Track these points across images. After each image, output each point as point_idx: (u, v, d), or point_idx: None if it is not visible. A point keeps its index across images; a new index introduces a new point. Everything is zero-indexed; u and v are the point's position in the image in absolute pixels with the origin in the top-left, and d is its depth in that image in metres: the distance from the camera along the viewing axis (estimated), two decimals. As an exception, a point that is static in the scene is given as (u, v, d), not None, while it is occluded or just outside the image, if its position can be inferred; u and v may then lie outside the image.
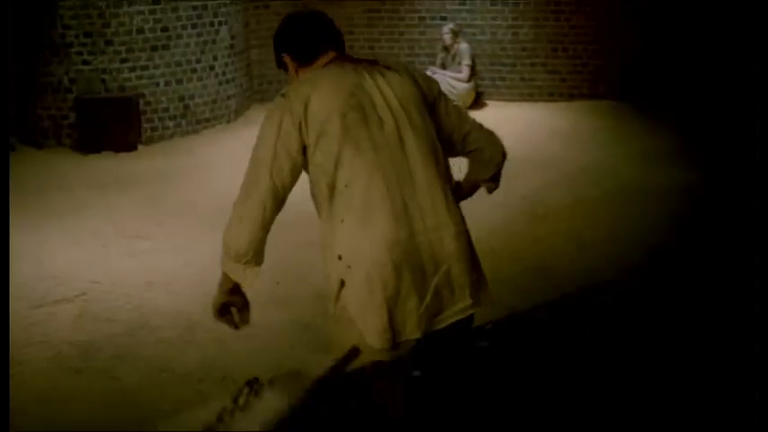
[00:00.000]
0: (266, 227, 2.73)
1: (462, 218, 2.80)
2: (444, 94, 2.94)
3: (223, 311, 2.95)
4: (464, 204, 6.92)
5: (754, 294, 2.84)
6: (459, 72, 9.57)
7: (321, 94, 2.66)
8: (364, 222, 2.62)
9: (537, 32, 9.88)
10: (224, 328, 4.59)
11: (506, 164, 7.91)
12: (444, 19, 9.96)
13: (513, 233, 5.99)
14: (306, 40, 2.82)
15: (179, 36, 8.62)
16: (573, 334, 4.11)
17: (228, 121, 9.27)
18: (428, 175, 2.69)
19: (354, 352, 2.60)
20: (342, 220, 2.65)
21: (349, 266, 2.63)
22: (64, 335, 4.71)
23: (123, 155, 8.31)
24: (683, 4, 9.13)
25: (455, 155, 2.99)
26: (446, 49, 9.69)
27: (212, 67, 8.94)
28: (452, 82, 9.54)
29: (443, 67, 9.72)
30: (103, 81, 8.39)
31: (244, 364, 4.23)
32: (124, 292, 5.24)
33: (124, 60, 8.40)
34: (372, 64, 2.84)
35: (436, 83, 2.96)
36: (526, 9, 9.85)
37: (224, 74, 9.14)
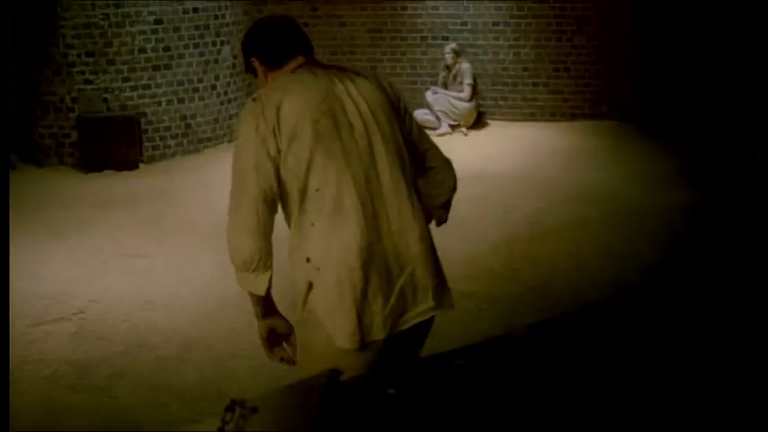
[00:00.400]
0: (265, 232, 2.73)
1: (425, 222, 2.85)
2: (409, 111, 2.99)
3: (271, 347, 2.90)
4: (463, 224, 6.87)
5: (754, 295, 2.83)
6: (461, 91, 9.58)
7: (292, 99, 2.69)
8: (335, 226, 2.67)
9: (539, 52, 9.89)
10: (222, 346, 4.63)
11: (507, 182, 7.95)
12: (446, 39, 9.98)
13: (512, 252, 5.97)
14: (274, 45, 2.84)
15: (181, 56, 8.66)
16: (556, 353, 4.03)
17: (230, 141, 9.27)
18: (395, 179, 2.75)
19: (333, 373, 2.58)
20: (312, 224, 2.69)
21: (318, 269, 2.68)
22: (61, 353, 4.71)
23: (125, 173, 8.33)
24: (685, 21, 9.15)
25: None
26: (448, 68, 9.71)
27: (214, 87, 8.97)
28: (453, 101, 9.55)
29: (445, 86, 9.74)
30: (105, 100, 8.42)
31: (241, 382, 4.22)
32: (122, 310, 5.23)
33: (126, 79, 8.43)
34: (342, 70, 2.87)
35: (401, 93, 3.01)
36: (528, 29, 9.87)
37: (226, 93, 9.17)
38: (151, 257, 6.10)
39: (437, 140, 9.25)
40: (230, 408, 2.23)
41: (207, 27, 8.81)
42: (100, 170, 8.29)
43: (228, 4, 9.09)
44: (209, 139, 9.04)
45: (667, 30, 9.30)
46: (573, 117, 9.87)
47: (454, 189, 3.06)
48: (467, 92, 9.55)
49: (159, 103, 8.61)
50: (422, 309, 2.77)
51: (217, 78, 9.02)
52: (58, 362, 4.60)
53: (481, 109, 9.93)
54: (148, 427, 3.87)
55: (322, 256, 2.67)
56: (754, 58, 4.18)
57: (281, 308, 2.89)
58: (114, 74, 8.38)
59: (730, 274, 5.07)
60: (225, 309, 5.04)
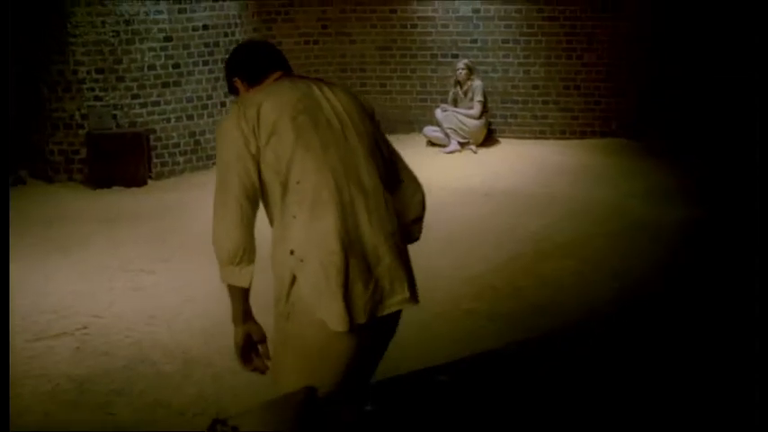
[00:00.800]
0: (248, 226, 2.86)
1: (396, 217, 2.97)
2: (381, 129, 3.12)
3: (246, 355, 3.01)
4: (467, 241, 6.84)
5: (754, 295, 2.81)
6: (471, 108, 9.57)
7: (272, 99, 2.88)
8: (315, 216, 2.80)
9: (549, 70, 9.88)
10: (223, 363, 4.60)
11: (514, 200, 7.91)
12: (456, 56, 9.99)
13: (516, 269, 5.94)
14: (253, 63, 3.06)
15: (190, 72, 8.69)
16: (541, 370, 4.01)
17: (239, 157, 9.29)
18: (371, 175, 2.91)
19: (311, 391, 2.57)
20: (294, 216, 2.82)
21: (302, 260, 2.80)
22: (62, 368, 4.70)
23: (133, 190, 8.35)
24: (695, 40, 9.12)
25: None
26: (459, 84, 9.70)
27: (223, 104, 8.99)
28: (463, 119, 9.54)
29: (455, 103, 9.73)
30: (115, 117, 8.45)
31: (241, 399, 4.19)
32: (125, 326, 5.22)
33: (135, 96, 8.46)
34: (318, 80, 3.08)
35: (374, 109, 3.16)
36: (538, 47, 9.86)
37: (235, 110, 9.17)
38: (156, 274, 6.10)
39: (446, 158, 9.34)
40: (212, 427, 2.23)
41: (216, 44, 8.84)
42: (109, 186, 8.31)
43: (238, 21, 9.13)
44: (218, 156, 9.03)
45: (677, 48, 9.27)
46: (583, 135, 9.84)
47: (424, 204, 3.17)
48: (477, 109, 9.54)
49: (168, 120, 8.64)
50: (398, 299, 2.92)
51: (226, 95, 9.03)
52: (60, 377, 4.59)
53: (491, 126, 9.91)
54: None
55: (304, 247, 2.80)
56: (762, 79, 4.16)
57: (255, 308, 3.00)
58: (124, 90, 8.42)
59: (732, 285, 5.02)
60: (227, 326, 4.94)
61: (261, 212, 2.98)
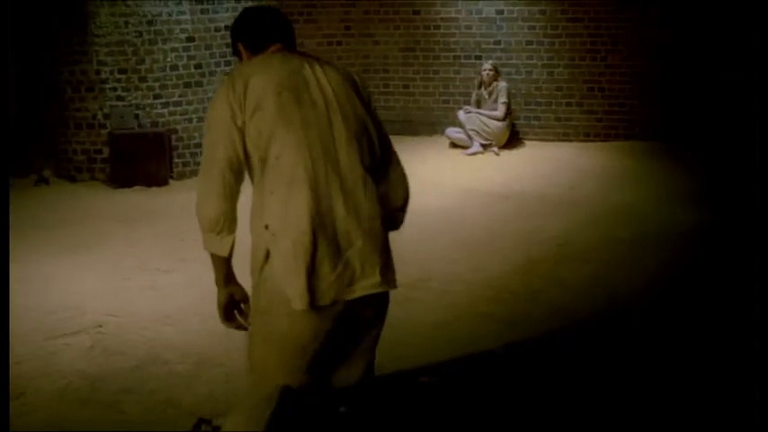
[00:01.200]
0: (230, 197, 2.92)
1: (378, 204, 2.97)
2: (377, 115, 3.13)
3: (229, 314, 3.12)
4: (486, 243, 6.77)
5: (754, 294, 2.76)
6: (495, 110, 9.50)
7: (260, 74, 2.91)
8: (291, 194, 2.83)
9: (572, 72, 9.80)
10: (234, 363, 4.58)
11: (535, 202, 7.83)
12: (479, 58, 9.93)
13: (535, 273, 5.88)
14: (256, 32, 3.08)
15: (212, 73, 8.70)
16: (528, 373, 3.92)
17: (261, 158, 9.29)
18: (351, 158, 2.92)
19: (286, 390, 2.53)
20: (271, 192, 2.87)
21: (274, 235, 2.85)
22: (75, 366, 4.70)
23: (154, 189, 8.38)
24: (721, 43, 9.00)
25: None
26: (482, 85, 9.63)
27: (245, 104, 8.99)
28: (486, 120, 9.48)
29: (478, 104, 9.66)
30: (137, 116, 8.48)
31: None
32: (140, 325, 5.22)
33: (157, 96, 8.49)
34: (315, 58, 3.08)
35: (371, 96, 3.19)
36: (561, 48, 9.78)
37: (257, 111, 9.18)
38: (173, 273, 6.10)
39: (468, 160, 9.29)
40: (197, 426, 2.21)
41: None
42: (130, 186, 8.35)
43: (261, 22, 9.13)
44: (240, 156, 9.04)
45: (702, 50, 9.15)
46: (606, 137, 9.74)
47: (407, 196, 3.17)
48: (501, 110, 9.47)
49: (190, 120, 8.66)
50: (369, 282, 2.92)
51: (248, 96, 9.04)
52: (72, 375, 4.59)
53: (514, 128, 9.84)
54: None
55: (279, 223, 2.84)
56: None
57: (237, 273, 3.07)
58: (146, 91, 8.45)
59: (748, 290, 4.91)
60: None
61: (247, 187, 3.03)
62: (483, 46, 10.01)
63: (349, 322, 2.97)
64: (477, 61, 9.87)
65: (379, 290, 2.97)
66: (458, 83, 10.19)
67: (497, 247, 6.46)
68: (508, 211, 7.40)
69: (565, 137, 9.92)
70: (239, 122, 2.88)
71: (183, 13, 8.44)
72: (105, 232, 7.03)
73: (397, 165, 3.16)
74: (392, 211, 3.10)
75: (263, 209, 2.90)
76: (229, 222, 2.94)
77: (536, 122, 10.03)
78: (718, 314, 4.98)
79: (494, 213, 7.35)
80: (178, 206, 7.76)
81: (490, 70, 9.53)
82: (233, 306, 3.12)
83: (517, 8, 9.83)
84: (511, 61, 9.95)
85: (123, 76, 8.41)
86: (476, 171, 8.81)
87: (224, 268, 3.05)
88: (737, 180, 7.83)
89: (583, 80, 9.78)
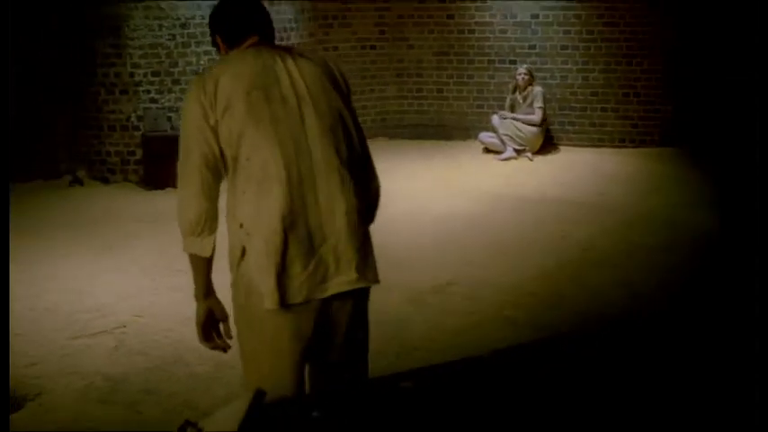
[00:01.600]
0: (209, 195, 2.88)
1: (355, 197, 2.91)
2: (354, 111, 3.06)
3: (207, 332, 3.08)
4: (515, 248, 6.68)
5: (754, 294, 2.68)
6: (531, 114, 9.42)
7: (230, 74, 2.85)
8: (263, 193, 2.80)
9: (608, 77, 9.69)
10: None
11: (566, 208, 7.70)
12: (513, 62, 9.87)
13: (561, 278, 5.80)
14: (232, 25, 3.01)
15: (245, 76, 8.73)
16: (512, 381, 3.78)
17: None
18: (325, 153, 2.86)
19: (260, 394, 2.50)
20: (243, 192, 2.83)
21: (248, 234, 2.83)
22: (98, 366, 4.72)
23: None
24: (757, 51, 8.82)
25: None
26: (517, 90, 9.56)
27: (278, 107, 9.01)
28: (519, 125, 9.41)
29: (512, 109, 9.59)
30: (170, 119, 8.54)
31: (268, 402, 4.16)
32: (164, 326, 5.24)
33: (190, 99, 8.52)
34: (289, 51, 3.01)
35: (348, 84, 3.10)
36: (597, 53, 9.68)
37: (289, 114, 9.20)
38: (200, 275, 6.11)
39: (501, 165, 9.26)
40: (182, 428, 2.19)
41: (271, 48, 8.86)
42: (162, 187, 8.39)
43: (294, 25, 9.16)
44: (272, 160, 9.07)
45: (739, 56, 8.99)
46: (642, 143, 9.62)
47: (378, 193, 3.12)
48: (538, 115, 9.39)
49: (222, 123, 8.68)
50: (343, 279, 2.88)
51: (280, 99, 9.07)
52: (94, 375, 4.61)
53: (548, 134, 9.75)
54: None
55: (252, 222, 2.82)
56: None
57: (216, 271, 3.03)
58: (179, 93, 8.50)
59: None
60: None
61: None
62: (517, 50, 9.95)
63: (328, 322, 2.94)
64: (512, 66, 9.81)
65: (356, 286, 2.91)
66: (492, 87, 10.13)
67: (525, 252, 6.39)
68: (538, 216, 7.33)
69: (600, 142, 9.81)
70: (212, 122, 2.84)
71: (216, 16, 8.47)
72: (135, 233, 7.08)
73: (371, 162, 3.10)
74: (364, 206, 3.01)
75: (236, 208, 2.87)
76: (210, 222, 2.91)
77: (570, 128, 9.93)
78: (738, 320, 4.87)
79: (523, 218, 7.28)
80: (208, 208, 7.79)
81: (525, 74, 9.45)
82: (212, 324, 3.07)
83: (552, 12, 9.75)
84: (546, 66, 9.86)
85: (157, 79, 8.47)
86: (508, 176, 8.74)
87: (204, 274, 3.01)
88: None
89: (618, 85, 9.67)
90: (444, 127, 10.39)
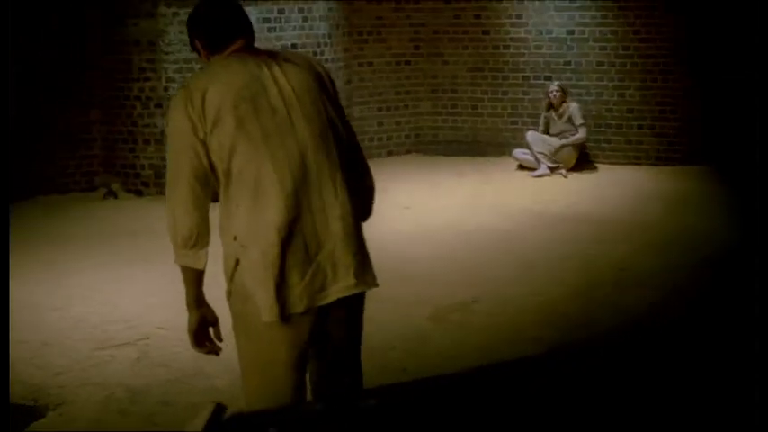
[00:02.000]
0: (200, 208, 2.89)
1: (349, 201, 2.91)
2: (342, 106, 3.08)
3: (200, 338, 3.12)
4: (545, 266, 6.60)
5: (754, 294, 2.60)
6: (570, 131, 9.34)
7: (216, 86, 2.82)
8: (257, 206, 2.79)
9: (644, 94, 9.58)
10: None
11: (600, 226, 7.58)
12: (549, 79, 9.80)
13: (591, 298, 5.72)
14: (214, 31, 2.94)
15: (278, 90, 8.77)
16: (485, 402, 3.66)
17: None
18: (318, 159, 2.85)
19: (220, 408, 2.46)
20: (237, 205, 2.83)
21: (243, 246, 2.82)
22: (120, 377, 4.74)
23: (218, 205, 8.44)
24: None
25: None
26: (551, 108, 9.48)
27: (311, 122, 9.04)
28: (552, 141, 9.34)
29: (547, 127, 9.50)
30: (203, 133, 8.59)
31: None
32: (186, 338, 5.16)
33: (224, 113, 8.58)
34: (273, 56, 2.97)
35: (333, 83, 3.08)
36: (633, 69, 9.58)
37: (322, 129, 9.22)
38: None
39: (534, 182, 9.18)
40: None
41: (305, 63, 8.90)
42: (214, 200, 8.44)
43: (328, 41, 9.19)
44: (304, 174, 9.09)
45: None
46: (678, 162, 9.47)
47: (372, 189, 3.13)
48: (583, 132, 9.30)
49: (255, 137, 8.73)
50: (342, 285, 2.88)
51: (314, 114, 9.09)
52: (116, 386, 4.63)
53: (584, 151, 9.66)
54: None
55: (247, 235, 2.81)
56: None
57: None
58: (213, 107, 8.56)
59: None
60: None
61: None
62: (552, 66, 9.88)
63: (325, 326, 2.95)
64: (547, 82, 9.74)
65: (355, 291, 2.92)
66: (526, 104, 10.07)
67: (554, 271, 6.32)
68: (569, 234, 7.24)
69: (636, 160, 9.69)
70: (201, 135, 2.82)
71: (250, 31, 8.53)
72: (165, 246, 7.01)
73: (361, 156, 3.11)
74: (363, 202, 3.05)
75: (229, 221, 2.87)
76: (203, 236, 2.91)
77: (606, 145, 9.82)
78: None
79: (554, 236, 7.20)
80: (239, 222, 7.83)
81: (557, 91, 9.37)
82: (204, 330, 3.10)
83: (588, 28, 9.68)
84: (581, 82, 9.78)
85: (191, 93, 8.53)
86: (540, 193, 8.66)
87: (196, 285, 3.01)
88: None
89: (655, 102, 9.55)
90: (478, 143, 10.34)
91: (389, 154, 10.36)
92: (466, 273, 6.29)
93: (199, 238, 2.90)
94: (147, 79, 8.56)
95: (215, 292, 3.16)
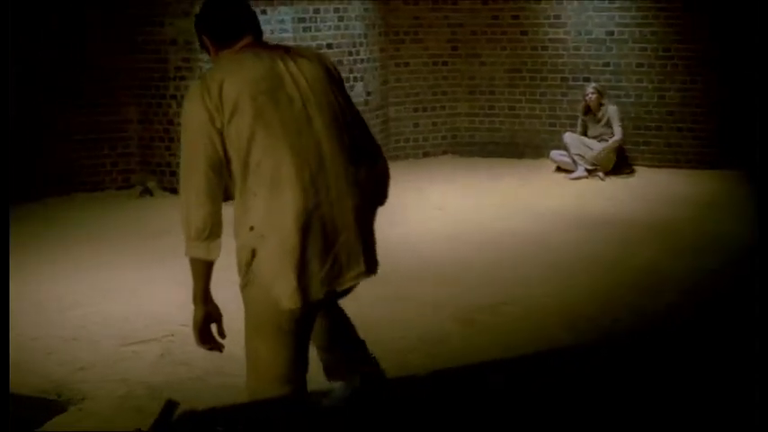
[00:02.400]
0: (215, 198, 2.94)
1: (361, 190, 2.99)
2: (349, 95, 3.16)
3: (205, 334, 3.19)
4: (572, 269, 6.50)
5: (754, 294, 2.55)
6: (607, 133, 9.21)
7: (233, 77, 2.87)
8: (275, 195, 2.84)
9: (684, 96, 9.41)
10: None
11: (633, 229, 7.48)
12: (587, 80, 9.67)
13: (618, 301, 5.62)
14: (224, 26, 3.01)
15: (313, 90, 8.78)
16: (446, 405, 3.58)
17: (360, 176, 9.30)
18: (333, 149, 2.92)
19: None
20: (255, 194, 2.88)
21: (262, 236, 2.87)
22: (141, 374, 4.77)
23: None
24: None
25: None
26: (588, 110, 9.35)
27: (345, 122, 9.03)
28: (590, 142, 9.22)
29: (585, 130, 9.38)
30: (238, 132, 8.64)
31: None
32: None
33: (258, 112, 8.62)
34: (286, 51, 3.05)
35: (340, 74, 3.18)
36: (674, 71, 9.41)
37: (357, 129, 9.20)
38: (253, 286, 6.14)
39: (570, 184, 9.07)
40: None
41: (340, 63, 8.88)
42: (226, 200, 8.47)
43: (364, 40, 9.17)
44: (338, 174, 9.09)
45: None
46: (719, 165, 9.29)
47: (386, 171, 3.18)
48: (619, 134, 9.16)
49: (289, 137, 8.75)
50: (355, 273, 3.00)
51: (348, 114, 9.08)
52: (137, 383, 4.66)
53: (623, 153, 9.52)
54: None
55: (265, 224, 2.85)
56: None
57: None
58: (247, 107, 8.60)
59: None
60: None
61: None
62: (591, 68, 9.76)
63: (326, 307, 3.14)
64: (585, 83, 9.61)
65: (363, 278, 3.05)
66: (565, 105, 9.96)
67: (583, 273, 6.23)
68: (602, 236, 7.14)
69: (675, 163, 9.53)
70: (218, 125, 2.86)
71: (285, 30, 8.56)
72: (195, 244, 7.15)
73: (372, 139, 3.17)
74: (374, 190, 3.10)
75: (247, 211, 2.91)
76: (217, 227, 2.95)
77: (645, 147, 9.67)
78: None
79: (587, 239, 7.10)
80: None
81: (593, 93, 9.24)
82: (208, 326, 3.16)
83: (628, 29, 9.54)
84: (620, 84, 9.64)
85: (226, 93, 8.58)
86: (576, 196, 8.55)
87: (205, 280, 3.08)
88: None
89: (695, 104, 9.37)
90: (516, 145, 10.25)
91: (425, 155, 10.32)
92: (494, 274, 6.23)
93: (213, 228, 2.93)
94: (183, 78, 8.62)
95: (221, 293, 3.18)
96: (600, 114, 9.30)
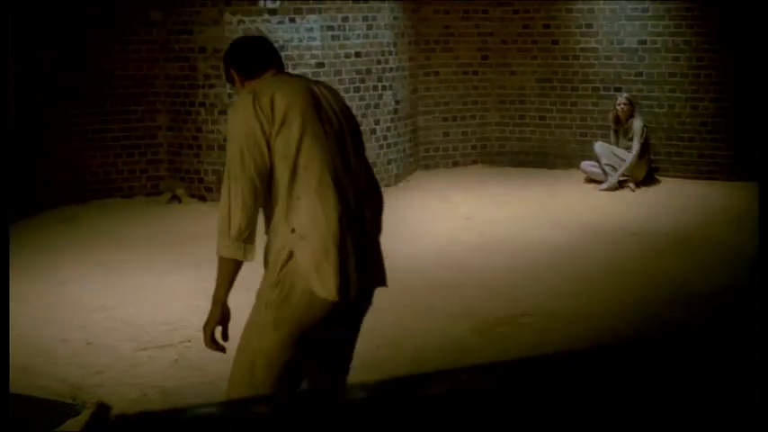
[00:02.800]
0: (257, 205, 3.14)
1: (378, 204, 3.33)
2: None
3: (214, 335, 3.39)
4: (600, 281, 6.44)
5: (754, 294, 2.47)
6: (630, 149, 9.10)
7: (283, 91, 3.15)
8: (319, 199, 3.07)
9: (718, 106, 9.26)
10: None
11: (663, 241, 7.41)
12: (619, 90, 9.55)
13: (643, 315, 5.52)
14: (253, 59, 3.31)
15: (340, 99, 8.76)
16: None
17: (388, 185, 9.25)
18: (357, 167, 3.23)
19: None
20: (298, 198, 3.07)
21: (302, 237, 3.05)
22: (156, 379, 4.76)
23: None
24: None
25: None
26: (618, 121, 9.23)
27: (374, 131, 9.01)
28: (620, 153, 9.10)
29: (616, 138, 9.26)
30: (265, 139, 8.64)
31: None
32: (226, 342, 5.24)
33: (285, 120, 8.62)
34: (314, 81, 3.44)
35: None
36: (707, 81, 9.26)
37: (385, 138, 9.18)
38: (274, 294, 6.12)
39: (601, 195, 9.00)
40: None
41: (369, 71, 8.88)
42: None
43: (393, 49, 9.14)
44: (366, 183, 9.06)
45: None
46: (751, 177, 9.09)
47: (382, 197, 3.42)
48: (635, 149, 9.01)
49: (317, 145, 8.74)
50: (377, 278, 3.30)
51: (377, 123, 9.06)
52: (151, 387, 4.65)
53: (654, 165, 9.38)
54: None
55: (307, 225, 3.05)
56: None
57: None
58: (275, 114, 8.61)
59: None
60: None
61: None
62: (623, 77, 9.64)
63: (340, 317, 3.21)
64: (617, 93, 9.49)
65: (377, 287, 3.31)
66: (596, 115, 9.84)
67: (610, 286, 6.12)
68: (631, 249, 7.02)
69: (709, 175, 9.37)
70: (268, 134, 3.09)
71: (313, 39, 8.56)
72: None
73: (373, 176, 3.43)
74: (374, 218, 3.36)
75: (288, 214, 3.09)
76: (254, 232, 3.15)
77: (678, 159, 9.52)
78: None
79: (615, 251, 6.99)
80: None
81: (624, 104, 9.10)
82: (219, 327, 3.39)
83: (661, 38, 9.42)
84: (653, 94, 9.51)
85: (254, 100, 8.60)
86: (606, 207, 8.44)
87: (231, 280, 3.27)
88: None
89: (729, 115, 9.21)
90: (546, 155, 10.15)
91: (455, 164, 10.26)
92: (518, 286, 6.15)
93: (251, 233, 3.13)
94: (212, 86, 8.66)
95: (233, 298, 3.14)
96: (627, 126, 9.17)
